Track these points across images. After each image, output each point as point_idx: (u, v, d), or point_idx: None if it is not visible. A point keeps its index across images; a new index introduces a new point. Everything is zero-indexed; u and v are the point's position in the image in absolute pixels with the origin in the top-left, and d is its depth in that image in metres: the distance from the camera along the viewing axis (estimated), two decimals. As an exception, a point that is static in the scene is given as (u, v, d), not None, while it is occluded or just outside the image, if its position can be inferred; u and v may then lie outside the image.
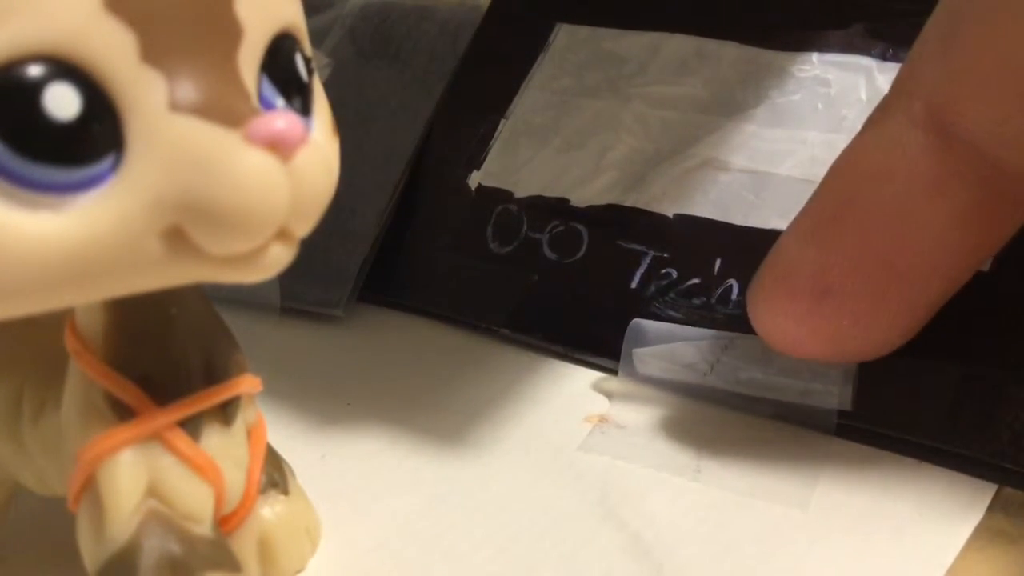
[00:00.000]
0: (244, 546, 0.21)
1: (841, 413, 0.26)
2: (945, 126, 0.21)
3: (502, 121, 0.35)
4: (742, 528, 0.23)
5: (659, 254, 0.30)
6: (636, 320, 0.29)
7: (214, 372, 0.20)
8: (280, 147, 0.15)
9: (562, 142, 0.33)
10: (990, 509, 0.23)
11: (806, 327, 0.23)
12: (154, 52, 0.15)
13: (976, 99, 0.21)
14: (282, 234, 0.16)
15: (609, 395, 0.29)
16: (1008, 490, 0.23)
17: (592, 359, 0.30)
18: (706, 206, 0.30)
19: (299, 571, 0.22)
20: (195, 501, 0.19)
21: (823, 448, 0.26)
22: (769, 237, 0.28)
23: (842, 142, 0.23)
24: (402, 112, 0.37)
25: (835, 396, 0.25)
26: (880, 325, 0.23)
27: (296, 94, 0.17)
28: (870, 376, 0.25)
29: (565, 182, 0.33)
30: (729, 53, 0.32)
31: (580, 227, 0.32)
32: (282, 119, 0.15)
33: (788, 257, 0.23)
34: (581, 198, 0.32)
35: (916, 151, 0.21)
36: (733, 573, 0.22)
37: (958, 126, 0.21)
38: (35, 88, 0.14)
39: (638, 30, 0.34)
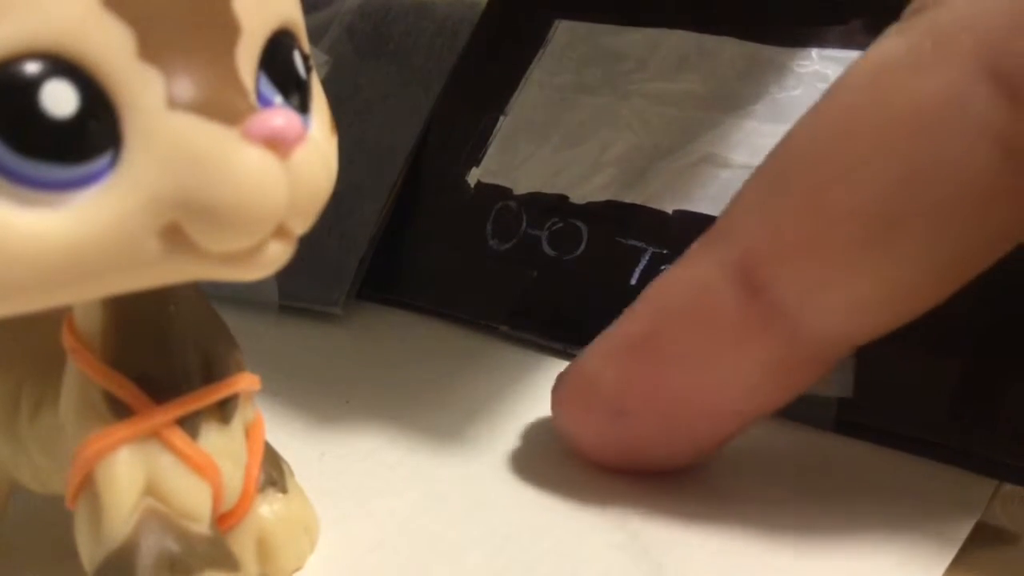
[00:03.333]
0: (242, 544, 0.21)
1: (840, 409, 0.26)
2: (756, 282, 0.21)
3: (501, 118, 0.35)
4: (740, 526, 0.23)
5: (659, 250, 0.30)
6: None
7: (212, 370, 0.20)
8: (278, 144, 0.15)
9: (561, 139, 0.33)
10: (989, 507, 0.23)
11: (601, 440, 0.24)
12: (152, 49, 0.15)
13: (789, 263, 0.21)
14: (280, 232, 0.16)
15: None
16: (1008, 487, 0.23)
17: (591, 356, 0.30)
18: (706, 202, 0.30)
19: (297, 569, 0.22)
20: (193, 499, 0.19)
21: (822, 444, 0.26)
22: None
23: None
24: (401, 109, 0.37)
25: (834, 384, 0.25)
26: (671, 451, 0.24)
27: (294, 91, 0.17)
28: (870, 371, 0.25)
29: (564, 179, 0.33)
30: (728, 49, 0.32)
31: (579, 224, 0.32)
32: (280, 116, 0.15)
33: (590, 371, 0.24)
34: (580, 195, 0.32)
35: (723, 300, 0.21)
36: (732, 571, 0.22)
37: (768, 285, 0.21)
38: (33, 85, 0.14)
39: (637, 26, 0.34)
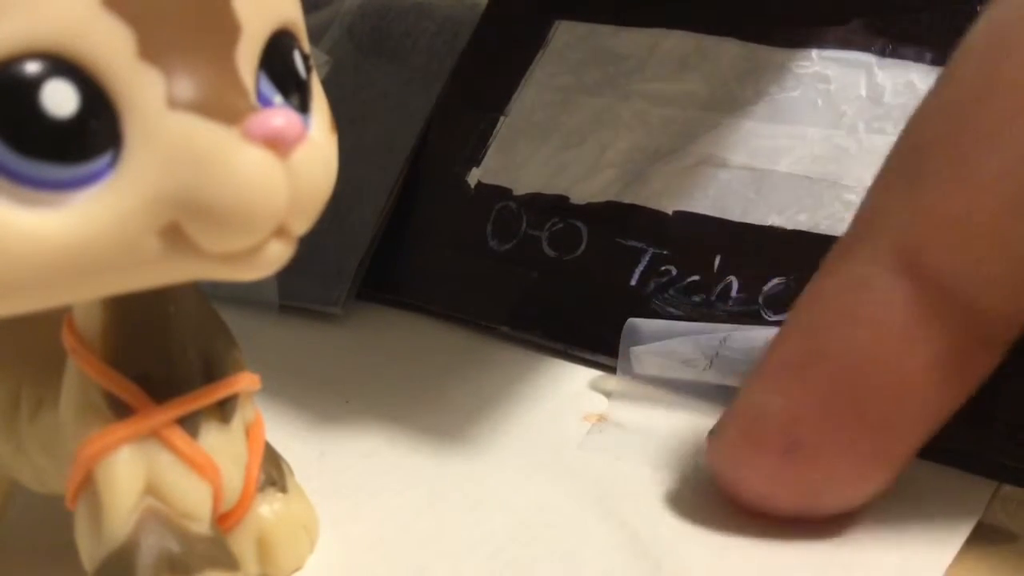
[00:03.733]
0: (242, 544, 0.21)
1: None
2: (915, 268, 0.20)
3: (501, 118, 0.35)
4: (741, 526, 0.23)
5: (658, 251, 0.30)
6: (631, 319, 0.29)
7: (212, 370, 0.20)
8: (278, 144, 0.15)
9: (561, 139, 0.33)
10: (989, 507, 0.23)
11: (775, 482, 0.22)
12: (152, 49, 0.15)
13: (947, 240, 0.20)
14: (280, 231, 0.16)
15: (607, 394, 0.29)
16: (1006, 488, 0.23)
17: (592, 356, 0.30)
18: (705, 203, 0.30)
19: (297, 569, 0.22)
20: (193, 499, 0.19)
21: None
22: (768, 234, 0.29)
23: (841, 138, 0.23)
24: (401, 109, 0.37)
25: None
26: (853, 478, 0.22)
27: (294, 91, 0.17)
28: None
29: (564, 179, 0.33)
30: (728, 50, 0.32)
31: (579, 224, 0.32)
32: (280, 116, 0.15)
33: (753, 407, 0.22)
34: (580, 195, 0.32)
35: (885, 294, 0.20)
36: (732, 571, 0.22)
37: (929, 268, 0.20)
38: (33, 85, 0.14)
39: (637, 27, 0.34)
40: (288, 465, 0.23)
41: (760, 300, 0.28)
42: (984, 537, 0.22)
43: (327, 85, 0.19)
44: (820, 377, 0.21)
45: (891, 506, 0.23)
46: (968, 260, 0.20)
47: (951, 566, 0.21)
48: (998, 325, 0.20)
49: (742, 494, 0.23)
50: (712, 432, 0.23)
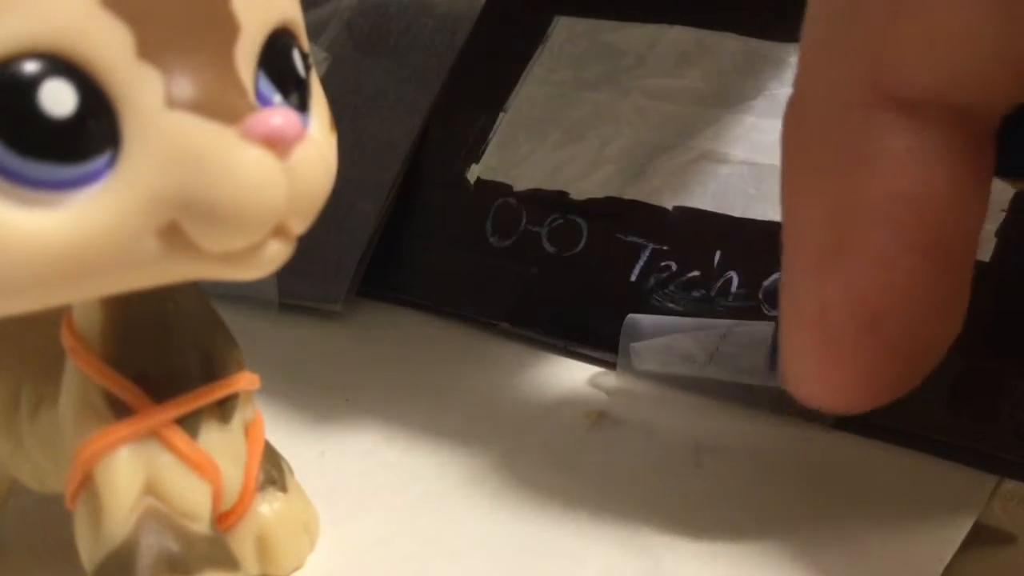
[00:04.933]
0: (242, 543, 0.21)
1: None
2: (896, 95, 0.19)
3: (501, 115, 0.35)
4: (741, 522, 0.23)
5: (658, 247, 0.30)
6: (631, 315, 0.29)
7: (212, 369, 0.20)
8: (277, 143, 0.15)
9: (561, 135, 0.33)
10: (988, 506, 0.23)
11: (873, 368, 0.20)
12: (150, 49, 0.15)
13: (917, 57, 0.19)
14: (279, 230, 0.16)
15: (607, 390, 0.29)
16: (1007, 486, 0.23)
17: (592, 353, 0.30)
18: (705, 198, 0.30)
19: (297, 568, 0.22)
20: (193, 498, 0.19)
21: (822, 441, 0.26)
22: (769, 229, 0.28)
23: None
24: (400, 106, 0.37)
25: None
26: (941, 323, 0.20)
27: (294, 90, 0.17)
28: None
29: (564, 175, 0.33)
30: (728, 45, 0.32)
31: (579, 220, 0.32)
32: (279, 115, 0.15)
33: (811, 306, 0.21)
34: (580, 191, 0.32)
35: (881, 132, 0.19)
36: (732, 568, 0.22)
37: (910, 88, 0.19)
38: (31, 85, 0.14)
39: (637, 22, 0.34)
40: (288, 464, 0.23)
41: (760, 295, 0.28)
42: (984, 536, 0.22)
43: (326, 82, 0.19)
44: (863, 241, 0.20)
45: (891, 503, 0.23)
46: (946, 68, 0.19)
47: (950, 565, 0.21)
48: (996, 112, 0.20)
49: (832, 397, 0.21)
50: (771, 360, 0.22)
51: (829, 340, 0.20)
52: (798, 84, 0.21)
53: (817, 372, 0.21)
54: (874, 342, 0.20)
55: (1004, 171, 0.20)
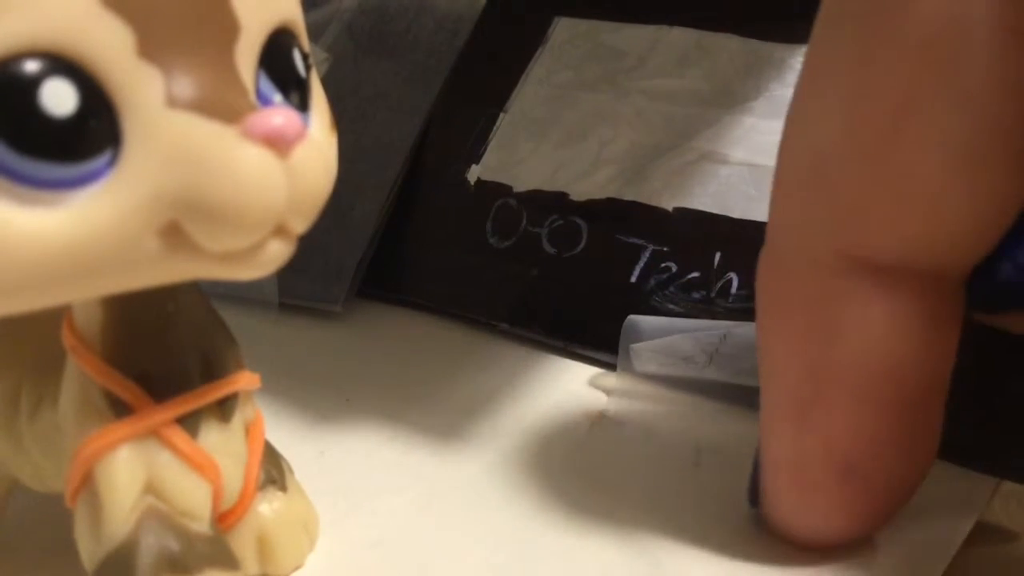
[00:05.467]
0: (242, 543, 0.21)
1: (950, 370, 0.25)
2: (868, 265, 0.20)
3: (501, 115, 0.35)
4: (741, 523, 0.23)
5: (659, 248, 0.30)
6: (631, 316, 0.29)
7: (212, 369, 0.20)
8: (278, 143, 0.15)
9: (561, 136, 0.33)
10: (989, 506, 0.23)
11: (842, 514, 0.22)
12: (151, 48, 0.15)
13: (884, 233, 0.20)
14: (280, 230, 0.16)
15: (607, 391, 0.29)
16: (1007, 486, 0.23)
17: (592, 354, 0.30)
18: (706, 199, 0.30)
19: (297, 568, 0.22)
20: (193, 498, 0.19)
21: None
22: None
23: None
24: (401, 107, 0.37)
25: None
26: (911, 472, 0.22)
27: (294, 90, 0.17)
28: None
29: (564, 176, 0.33)
30: (728, 46, 0.32)
31: (579, 221, 0.32)
32: (280, 115, 0.15)
33: (790, 453, 0.22)
34: (580, 192, 0.32)
35: (854, 299, 0.20)
36: (732, 568, 0.22)
37: (880, 260, 0.20)
38: (32, 84, 0.14)
39: (637, 23, 0.34)
40: (288, 464, 0.23)
41: (760, 297, 0.28)
42: (984, 536, 0.22)
43: (327, 82, 0.19)
44: (838, 398, 0.21)
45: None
46: (913, 240, 0.20)
47: (951, 565, 0.21)
48: (963, 272, 0.20)
49: (810, 537, 0.22)
50: (752, 495, 0.23)
51: (807, 487, 0.22)
52: (770, 236, 0.21)
53: (794, 513, 0.22)
54: (849, 489, 0.21)
55: (975, 306, 0.21)
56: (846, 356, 0.21)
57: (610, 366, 0.30)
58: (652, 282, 0.30)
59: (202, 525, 0.19)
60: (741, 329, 0.27)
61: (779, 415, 0.22)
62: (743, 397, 0.27)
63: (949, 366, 0.21)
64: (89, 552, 0.18)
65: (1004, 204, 0.19)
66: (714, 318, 0.28)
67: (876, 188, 0.19)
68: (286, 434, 0.24)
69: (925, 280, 0.20)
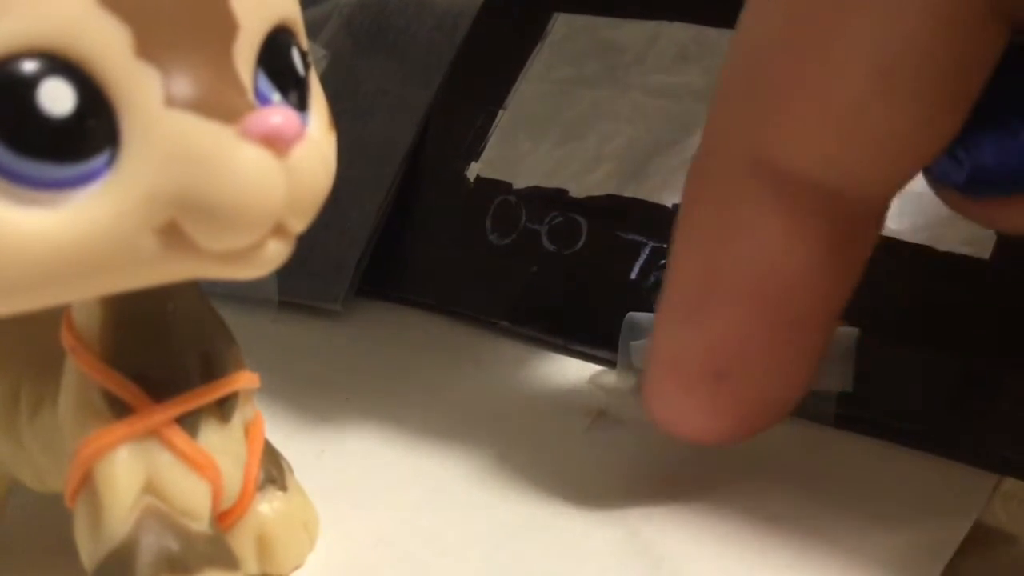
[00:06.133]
0: (242, 542, 0.21)
1: (840, 404, 0.25)
2: (776, 170, 0.20)
3: (500, 112, 0.35)
4: (740, 522, 0.23)
5: (658, 244, 0.30)
6: (630, 313, 0.29)
7: (211, 368, 0.20)
8: (276, 142, 0.15)
9: (561, 133, 0.33)
10: (989, 506, 0.23)
11: (713, 413, 0.22)
12: (149, 47, 0.15)
13: (797, 134, 0.20)
14: (279, 230, 0.16)
15: (607, 389, 0.29)
16: (1007, 485, 0.23)
17: (592, 351, 0.30)
18: (705, 196, 0.30)
19: (297, 567, 0.22)
20: (193, 497, 0.19)
21: (821, 439, 0.26)
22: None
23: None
24: (400, 104, 0.37)
25: (834, 379, 0.25)
26: (784, 384, 0.22)
27: (292, 89, 0.17)
28: (870, 365, 0.25)
29: (564, 173, 0.33)
30: (727, 41, 0.32)
31: (579, 218, 0.32)
32: (278, 114, 0.15)
33: (671, 345, 0.22)
34: (580, 189, 0.32)
35: (756, 204, 0.20)
36: (732, 568, 0.22)
37: (788, 165, 0.20)
38: (30, 84, 0.14)
39: (636, 19, 0.34)
40: (288, 463, 0.23)
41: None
42: (984, 536, 0.22)
43: (325, 80, 0.19)
44: (723, 301, 0.21)
45: (890, 502, 0.23)
46: (821, 151, 0.20)
47: (949, 564, 0.21)
48: (866, 205, 0.21)
49: (682, 430, 0.23)
50: (642, 375, 0.23)
51: (681, 384, 0.22)
52: (703, 140, 0.22)
53: (668, 407, 0.23)
54: (720, 393, 0.22)
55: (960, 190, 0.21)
56: (739, 260, 0.21)
57: (610, 363, 0.30)
58: (652, 279, 0.30)
59: (202, 525, 0.19)
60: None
61: (669, 310, 0.22)
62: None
63: (844, 294, 0.21)
64: (89, 552, 0.18)
65: (921, 135, 0.19)
66: (714, 315, 0.28)
67: (800, 91, 0.19)
68: (286, 433, 0.24)
69: (832, 202, 0.20)
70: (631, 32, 0.34)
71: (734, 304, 0.21)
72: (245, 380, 0.20)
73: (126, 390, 0.18)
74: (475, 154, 0.35)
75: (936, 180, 0.21)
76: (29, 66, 0.14)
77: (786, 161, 0.20)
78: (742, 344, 0.21)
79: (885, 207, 0.21)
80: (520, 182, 0.33)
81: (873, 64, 0.19)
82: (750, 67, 0.20)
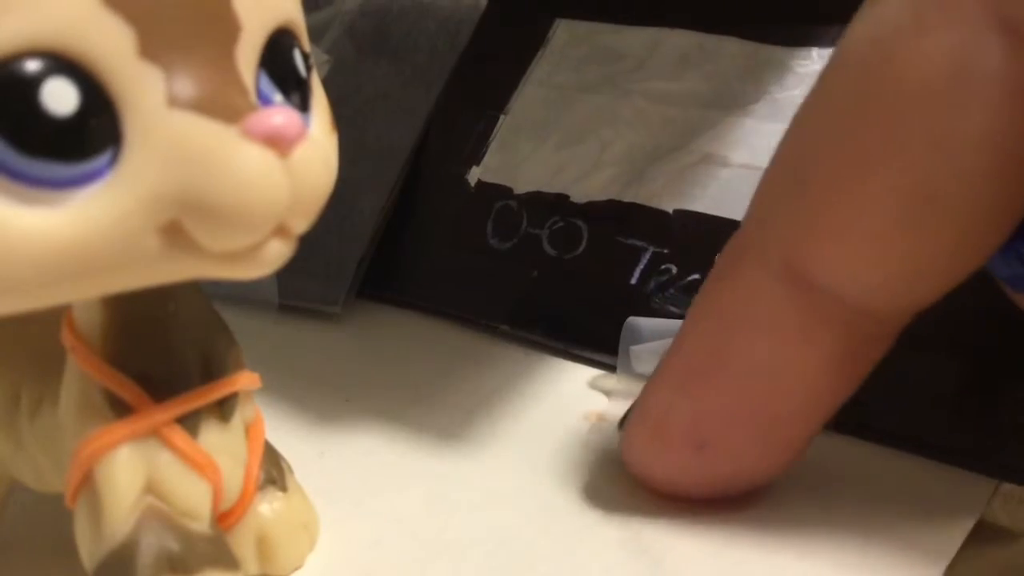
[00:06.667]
0: (242, 543, 0.21)
1: (840, 408, 0.25)
2: (804, 277, 0.20)
3: (501, 117, 0.35)
4: (740, 524, 0.23)
5: (659, 250, 0.30)
6: (631, 318, 0.29)
7: (212, 369, 0.20)
8: (278, 143, 0.15)
9: (561, 138, 0.33)
10: (989, 506, 0.23)
11: (686, 475, 0.23)
12: (152, 47, 0.15)
13: (831, 252, 0.20)
14: (280, 230, 0.16)
15: (607, 393, 0.29)
16: (1007, 487, 0.23)
17: (592, 355, 0.30)
18: (706, 201, 0.30)
19: (297, 568, 0.22)
20: (193, 498, 0.19)
21: (821, 444, 0.25)
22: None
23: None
24: (401, 108, 0.37)
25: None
26: (758, 468, 0.23)
27: (295, 90, 0.17)
28: (871, 370, 0.25)
29: (565, 178, 0.33)
30: (729, 48, 0.32)
31: (580, 223, 0.32)
32: (280, 115, 0.15)
33: (660, 407, 0.23)
34: (581, 194, 0.32)
35: (778, 302, 0.21)
36: (732, 570, 0.22)
37: (816, 278, 0.20)
38: (33, 83, 0.14)
39: (638, 25, 0.34)
40: (288, 464, 0.23)
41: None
42: (984, 536, 0.22)
43: (327, 84, 0.19)
44: (723, 381, 0.22)
45: (891, 504, 0.23)
46: (852, 270, 0.20)
47: (951, 565, 0.21)
48: (885, 324, 0.21)
49: (654, 484, 0.24)
50: (621, 425, 0.24)
51: (662, 444, 0.23)
52: (744, 220, 0.22)
53: (644, 461, 0.24)
54: (697, 461, 0.23)
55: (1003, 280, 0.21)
56: (749, 349, 0.21)
57: (610, 368, 0.30)
58: (652, 284, 0.30)
59: (202, 525, 0.19)
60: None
61: (668, 373, 0.23)
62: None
63: (838, 401, 0.22)
64: (89, 552, 0.18)
65: (957, 259, 0.20)
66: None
67: (841, 209, 0.20)
68: (286, 434, 0.24)
69: (855, 316, 0.21)
70: (632, 38, 0.34)
71: (731, 386, 0.22)
72: (246, 380, 0.20)
73: (127, 390, 0.18)
74: (476, 159, 0.35)
75: (997, 278, 0.21)
76: (33, 65, 0.14)
77: (819, 275, 0.20)
78: (729, 423, 0.22)
79: (906, 323, 0.21)
80: (521, 187, 0.33)
81: (918, 192, 0.19)
82: (797, 168, 0.21)
